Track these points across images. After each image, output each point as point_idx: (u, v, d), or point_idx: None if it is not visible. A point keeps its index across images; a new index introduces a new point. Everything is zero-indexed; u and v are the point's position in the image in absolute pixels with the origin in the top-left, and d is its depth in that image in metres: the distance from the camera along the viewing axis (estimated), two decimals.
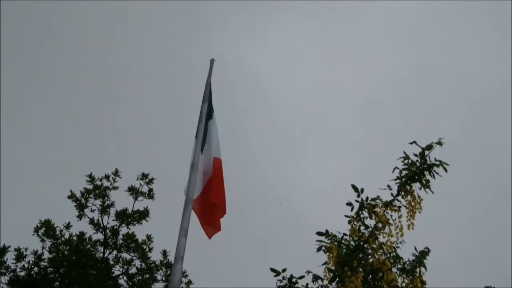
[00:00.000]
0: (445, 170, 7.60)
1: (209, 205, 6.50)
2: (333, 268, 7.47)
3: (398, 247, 8.72)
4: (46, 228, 18.90)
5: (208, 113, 7.44)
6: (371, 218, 7.95)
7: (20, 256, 18.33)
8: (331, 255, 7.52)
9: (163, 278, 19.09)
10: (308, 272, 9.03)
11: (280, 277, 8.29)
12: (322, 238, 7.98)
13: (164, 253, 19.22)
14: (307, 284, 8.38)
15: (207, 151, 7.10)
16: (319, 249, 7.85)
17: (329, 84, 56.01)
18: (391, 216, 7.90)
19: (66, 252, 19.00)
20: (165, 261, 19.13)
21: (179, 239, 4.43)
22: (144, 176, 20.00)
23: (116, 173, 19.93)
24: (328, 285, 8.72)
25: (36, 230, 18.89)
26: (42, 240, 18.92)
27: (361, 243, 8.09)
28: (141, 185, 19.91)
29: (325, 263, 7.68)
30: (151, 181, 20.00)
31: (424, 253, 9.31)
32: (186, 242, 4.56)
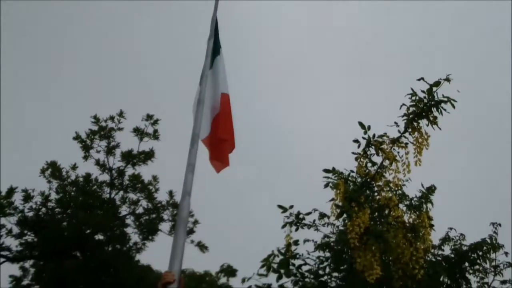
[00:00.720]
0: (453, 106, 7.54)
1: (217, 140, 6.43)
2: (340, 204, 7.48)
3: (404, 185, 8.72)
4: (53, 169, 18.97)
5: (214, 50, 7.31)
6: (378, 155, 7.93)
7: (27, 197, 18.42)
8: (338, 191, 7.53)
9: (170, 218, 19.24)
10: (315, 210, 9.09)
11: (287, 214, 8.35)
12: (329, 175, 7.99)
13: (170, 193, 19.34)
14: (314, 221, 8.45)
15: (214, 87, 6.98)
16: (326, 186, 7.85)
17: (326, 21, 55.46)
18: (398, 152, 7.88)
19: (72, 193, 19.12)
20: (171, 201, 19.24)
21: (186, 175, 4.40)
22: (149, 117, 19.95)
23: (120, 114, 19.86)
24: (335, 221, 8.80)
25: (43, 171, 18.97)
26: (49, 181, 19.02)
27: (368, 180, 8.10)
28: (146, 126, 19.91)
29: (332, 199, 7.70)
30: (156, 122, 19.96)
31: (431, 190, 9.32)
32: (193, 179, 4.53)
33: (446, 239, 10.95)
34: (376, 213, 8.51)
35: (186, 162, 4.72)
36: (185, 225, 4.06)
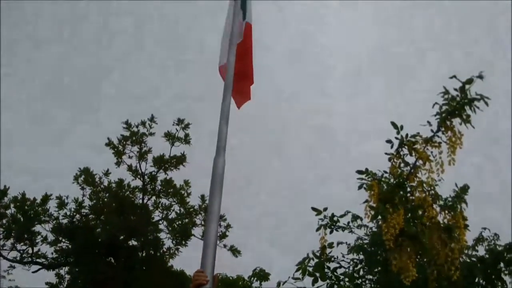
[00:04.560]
0: (486, 104, 7.45)
1: (236, 72, 5.68)
2: (374, 205, 7.44)
3: (437, 185, 8.64)
4: (86, 176, 19.17)
5: None
6: (411, 155, 7.87)
7: (62, 204, 18.69)
8: (372, 192, 7.48)
9: (202, 223, 19.30)
10: (348, 212, 9.06)
11: (321, 216, 8.31)
12: (363, 176, 7.94)
13: (202, 197, 19.36)
14: (348, 223, 8.40)
15: (240, 15, 6.37)
16: (360, 187, 7.80)
17: None
18: (432, 152, 7.82)
19: (105, 199, 19.32)
20: (203, 206, 19.29)
21: (221, 128, 4.26)
22: (180, 121, 20.06)
23: (152, 119, 20.00)
24: (369, 223, 8.75)
25: (76, 178, 19.19)
26: (82, 188, 19.24)
27: (402, 181, 8.05)
28: (177, 130, 20.02)
29: (366, 201, 7.66)
30: (187, 126, 20.06)
31: (464, 190, 9.22)
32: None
33: (480, 239, 10.84)
34: (410, 214, 8.44)
35: (219, 115, 4.55)
36: (220, 185, 3.93)
